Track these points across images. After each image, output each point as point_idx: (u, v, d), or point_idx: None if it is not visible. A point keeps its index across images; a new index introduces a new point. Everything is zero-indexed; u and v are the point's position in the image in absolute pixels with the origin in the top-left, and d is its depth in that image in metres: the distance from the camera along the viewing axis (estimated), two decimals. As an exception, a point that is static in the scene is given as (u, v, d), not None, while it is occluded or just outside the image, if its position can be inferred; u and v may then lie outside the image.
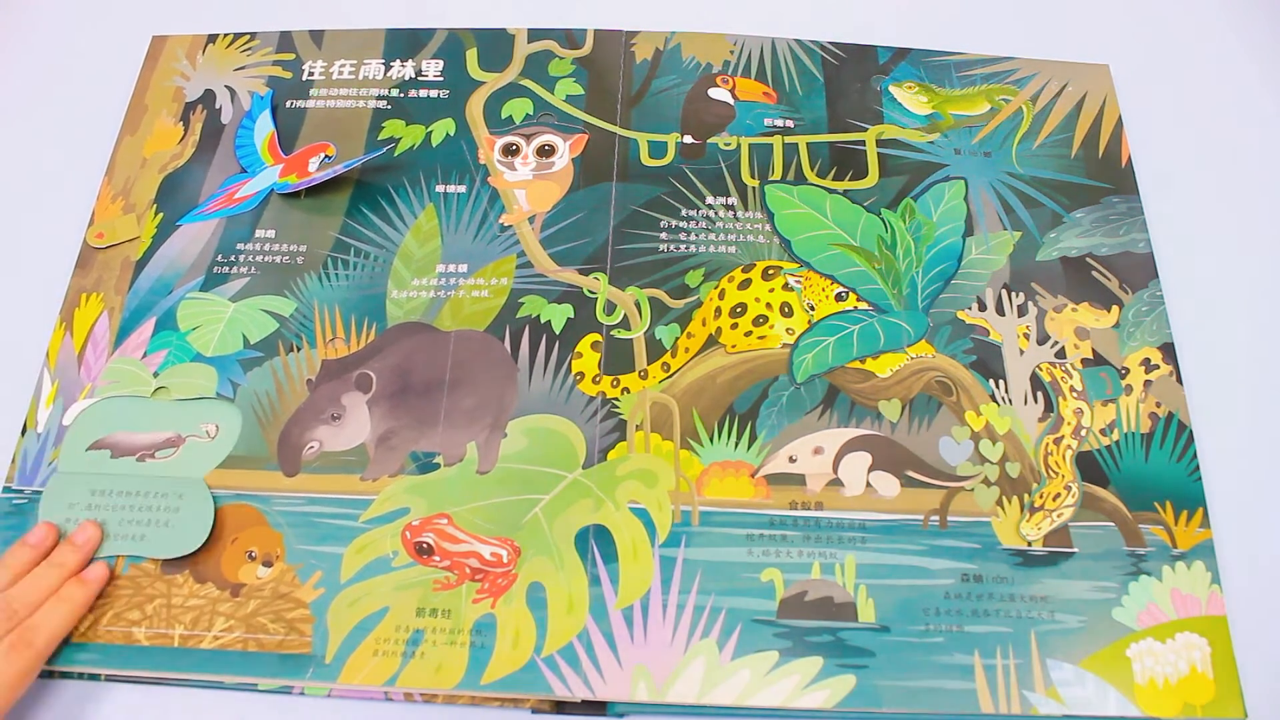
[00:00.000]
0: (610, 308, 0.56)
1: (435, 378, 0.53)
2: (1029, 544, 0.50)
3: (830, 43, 0.65)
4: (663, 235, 0.58)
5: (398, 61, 0.65)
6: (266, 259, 0.57)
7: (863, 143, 0.61)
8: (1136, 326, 0.56)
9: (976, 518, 0.50)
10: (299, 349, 0.54)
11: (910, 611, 0.48)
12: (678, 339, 0.55)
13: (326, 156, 0.61)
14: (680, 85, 0.63)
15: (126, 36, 0.66)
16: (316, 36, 0.66)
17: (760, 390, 0.53)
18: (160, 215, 0.59)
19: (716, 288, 0.56)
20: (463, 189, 0.59)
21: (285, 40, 0.65)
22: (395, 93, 0.63)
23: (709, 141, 0.61)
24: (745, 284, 0.56)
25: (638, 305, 0.56)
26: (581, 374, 0.54)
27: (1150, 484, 0.52)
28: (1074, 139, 0.62)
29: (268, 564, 0.49)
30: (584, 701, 0.46)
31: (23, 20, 0.68)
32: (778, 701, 0.46)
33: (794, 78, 0.64)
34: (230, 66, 0.64)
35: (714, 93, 0.63)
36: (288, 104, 0.63)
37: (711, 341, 0.55)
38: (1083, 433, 0.53)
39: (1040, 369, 0.54)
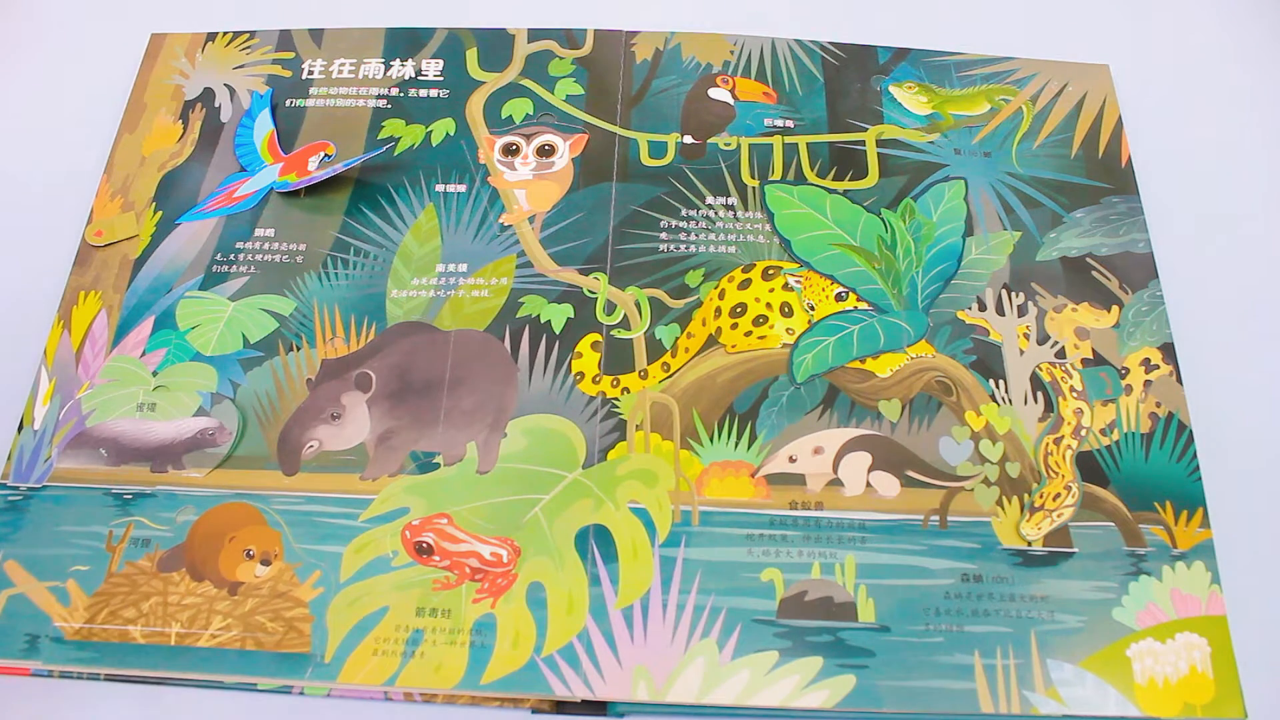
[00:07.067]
0: (610, 308, 0.56)
1: (435, 377, 0.53)
2: (1029, 544, 0.50)
3: (830, 43, 0.65)
4: (663, 235, 0.58)
5: (397, 61, 0.64)
6: (266, 258, 0.57)
7: (863, 143, 0.61)
8: (1136, 326, 0.56)
9: (976, 518, 0.50)
10: (299, 348, 0.54)
11: (910, 611, 0.48)
12: (678, 339, 0.55)
13: (326, 155, 0.61)
14: (680, 85, 0.63)
15: (125, 34, 0.66)
16: (316, 35, 0.66)
17: (760, 390, 0.53)
18: (159, 213, 0.58)
19: (716, 288, 0.56)
20: (463, 188, 0.59)
21: (285, 39, 0.65)
22: (395, 92, 0.63)
23: (709, 141, 0.61)
24: (745, 284, 0.56)
25: (638, 305, 0.56)
26: (581, 374, 0.54)
27: (1150, 484, 0.52)
28: (1074, 139, 0.62)
29: (266, 562, 0.48)
30: (584, 701, 0.46)
31: (21, 17, 0.68)
32: (778, 701, 0.46)
33: (794, 78, 0.64)
34: (229, 65, 0.64)
35: (714, 93, 0.63)
36: (287, 103, 0.63)
37: (711, 341, 0.55)
38: (1083, 433, 0.53)
39: (1040, 369, 0.54)
